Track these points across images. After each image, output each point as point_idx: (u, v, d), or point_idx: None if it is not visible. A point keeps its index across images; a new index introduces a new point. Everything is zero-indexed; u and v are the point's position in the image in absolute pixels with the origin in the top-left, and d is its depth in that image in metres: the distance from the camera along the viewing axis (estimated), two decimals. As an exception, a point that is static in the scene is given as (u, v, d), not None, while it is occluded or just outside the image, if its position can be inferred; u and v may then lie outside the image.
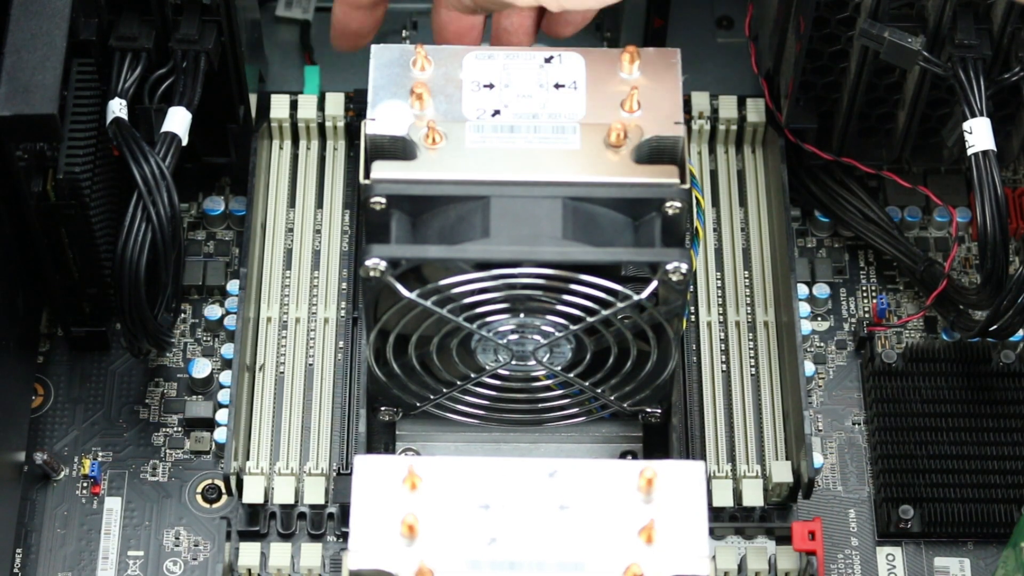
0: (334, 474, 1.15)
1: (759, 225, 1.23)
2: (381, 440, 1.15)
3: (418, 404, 1.12)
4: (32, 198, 1.09)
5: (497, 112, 1.05)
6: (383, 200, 1.02)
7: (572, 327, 1.04)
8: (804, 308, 1.19)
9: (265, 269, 1.21)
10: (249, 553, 1.12)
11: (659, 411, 1.12)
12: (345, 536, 1.15)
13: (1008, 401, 1.18)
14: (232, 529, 1.14)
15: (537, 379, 1.10)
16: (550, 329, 1.05)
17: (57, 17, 1.06)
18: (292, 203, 1.24)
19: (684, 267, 1.00)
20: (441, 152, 1.04)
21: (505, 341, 1.06)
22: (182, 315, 1.22)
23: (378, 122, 1.05)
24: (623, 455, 1.15)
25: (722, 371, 1.18)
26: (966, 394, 1.18)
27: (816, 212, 1.26)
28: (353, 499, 0.96)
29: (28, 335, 1.20)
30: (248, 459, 1.14)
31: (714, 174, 1.26)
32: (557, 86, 1.06)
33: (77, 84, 1.08)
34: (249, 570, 1.12)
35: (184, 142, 1.11)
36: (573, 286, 1.01)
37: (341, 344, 1.19)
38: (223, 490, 1.17)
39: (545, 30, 1.15)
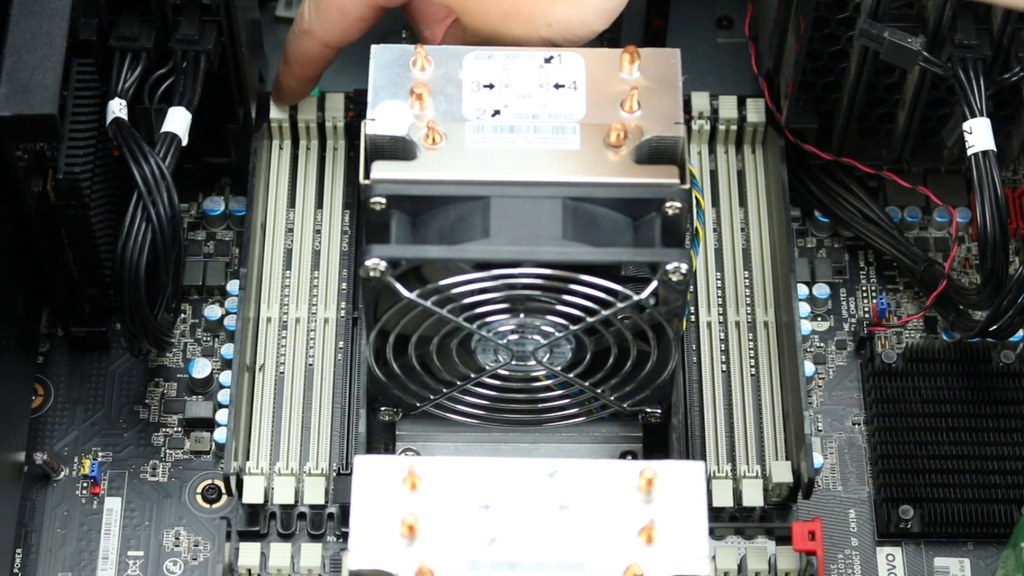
0: (334, 474, 1.15)
1: (759, 225, 1.23)
2: (381, 440, 1.15)
3: (418, 404, 1.12)
4: (32, 198, 1.09)
5: (497, 112, 1.05)
6: (383, 200, 1.02)
7: (572, 327, 1.04)
8: (804, 308, 1.19)
9: (265, 269, 1.21)
10: (249, 553, 1.12)
11: (659, 411, 1.12)
12: (345, 536, 1.15)
13: (1008, 401, 1.18)
14: (232, 529, 1.14)
15: (537, 379, 1.10)
16: (550, 329, 1.05)
17: (57, 17, 1.06)
18: (292, 203, 1.24)
19: (684, 267, 1.00)
20: (441, 152, 1.03)
21: (505, 341, 1.06)
22: (182, 315, 1.22)
23: (378, 122, 1.05)
24: (623, 455, 1.15)
25: (722, 371, 1.18)
26: (966, 394, 1.18)
27: (816, 212, 1.26)
28: (353, 499, 0.96)
29: (28, 335, 1.20)
30: (248, 459, 1.14)
31: (714, 174, 1.26)
32: (557, 86, 1.06)
33: (77, 84, 1.08)
34: (249, 570, 1.12)
35: (184, 142, 1.11)
36: (573, 286, 1.01)
37: (341, 344, 1.19)
38: (223, 490, 1.17)
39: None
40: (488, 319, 1.04)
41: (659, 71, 1.07)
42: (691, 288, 1.18)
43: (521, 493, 0.97)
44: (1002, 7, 1.10)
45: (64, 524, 1.16)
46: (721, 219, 1.24)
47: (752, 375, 1.18)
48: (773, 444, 1.16)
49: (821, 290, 1.24)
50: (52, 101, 1.03)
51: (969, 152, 1.10)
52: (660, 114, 1.05)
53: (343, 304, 1.20)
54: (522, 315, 1.04)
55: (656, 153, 1.04)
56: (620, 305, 1.02)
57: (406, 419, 1.14)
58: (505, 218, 1.01)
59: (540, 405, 1.12)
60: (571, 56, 1.07)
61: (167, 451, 1.19)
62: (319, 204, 1.24)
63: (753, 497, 1.14)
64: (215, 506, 1.17)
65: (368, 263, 1.01)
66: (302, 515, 1.15)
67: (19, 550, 1.15)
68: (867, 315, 1.24)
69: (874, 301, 1.24)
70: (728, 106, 1.25)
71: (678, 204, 1.02)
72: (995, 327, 1.13)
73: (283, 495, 1.13)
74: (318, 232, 1.23)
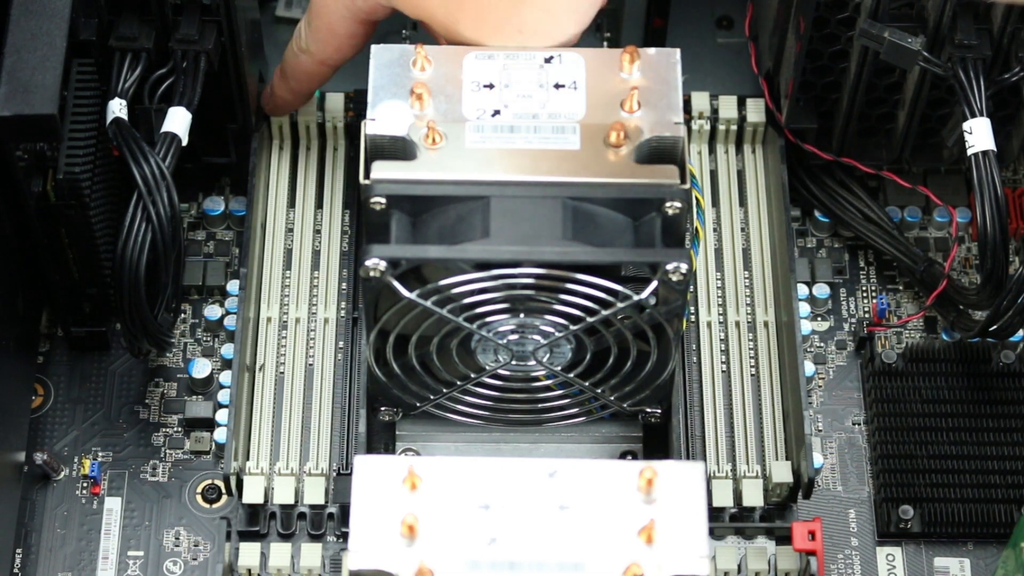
0: (334, 474, 1.15)
1: (759, 225, 1.23)
2: (381, 440, 1.15)
3: (418, 404, 1.12)
4: (32, 198, 1.09)
5: (497, 112, 1.05)
6: (383, 200, 1.02)
7: (572, 327, 1.04)
8: (804, 308, 1.19)
9: (265, 269, 1.21)
10: (249, 553, 1.12)
11: (659, 411, 1.12)
12: (345, 536, 1.15)
13: (1008, 401, 1.18)
14: (232, 529, 1.14)
15: (537, 379, 1.10)
16: (550, 329, 1.05)
17: (57, 17, 1.06)
18: (292, 203, 1.24)
19: (684, 267, 1.00)
20: (441, 152, 1.03)
21: (505, 341, 1.06)
22: (182, 315, 1.22)
23: (378, 122, 1.05)
24: (623, 455, 1.15)
25: (722, 371, 1.18)
26: (966, 394, 1.18)
27: (816, 212, 1.26)
28: (353, 499, 0.96)
29: (28, 335, 1.20)
30: (248, 459, 1.14)
31: (714, 174, 1.26)
32: (557, 86, 1.06)
33: (77, 84, 1.08)
34: (249, 570, 1.12)
35: (184, 142, 1.10)
36: (573, 286, 1.01)
37: (341, 344, 1.19)
38: (223, 490, 1.17)
39: None
40: (488, 319, 1.04)
41: (659, 71, 1.07)
42: (691, 288, 1.18)
43: (521, 493, 0.97)
44: (1003, 4, 1.10)
45: (64, 524, 1.16)
46: (721, 219, 1.24)
47: (752, 375, 1.18)
48: (773, 444, 1.16)
49: (821, 290, 1.24)
50: (52, 101, 1.03)
51: (969, 152, 1.10)
52: (660, 114, 1.05)
53: (343, 304, 1.20)
54: (522, 315, 1.04)
55: (656, 153, 1.04)
56: (620, 305, 1.02)
57: (406, 419, 1.14)
58: (505, 218, 1.01)
59: (540, 405, 1.12)
60: (571, 56, 1.07)
61: (167, 451, 1.19)
62: (319, 204, 1.24)
63: (753, 497, 1.14)
64: (215, 506, 1.17)
65: (368, 263, 1.01)
66: (302, 515, 1.15)
67: (19, 550, 1.15)
68: (867, 315, 1.24)
69: (874, 301, 1.24)
70: (728, 106, 1.25)
71: (678, 204, 1.02)
72: (995, 327, 1.13)
73: (283, 495, 1.13)
74: (318, 232, 1.23)
